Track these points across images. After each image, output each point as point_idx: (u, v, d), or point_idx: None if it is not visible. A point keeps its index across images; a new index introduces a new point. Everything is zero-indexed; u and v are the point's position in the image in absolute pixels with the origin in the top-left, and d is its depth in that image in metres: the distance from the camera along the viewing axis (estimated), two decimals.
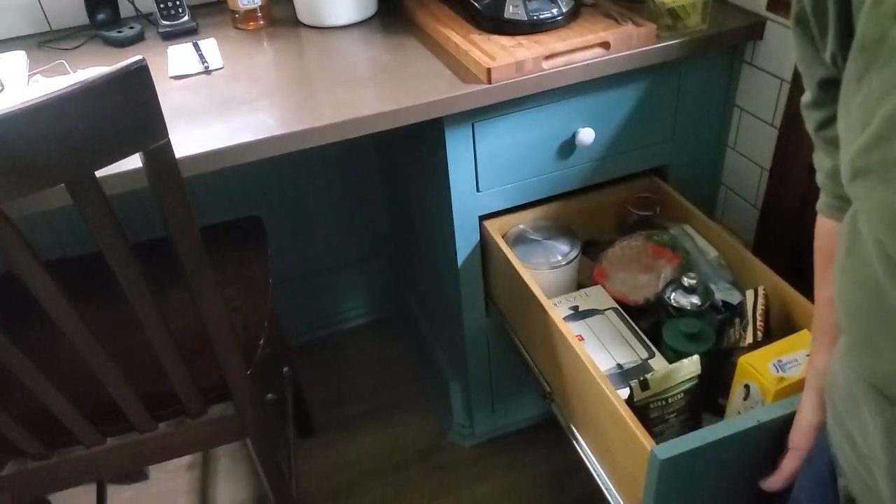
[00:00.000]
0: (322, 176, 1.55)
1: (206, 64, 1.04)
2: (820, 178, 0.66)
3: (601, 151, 1.10)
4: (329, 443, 1.52)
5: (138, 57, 0.57)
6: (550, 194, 1.12)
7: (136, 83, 0.57)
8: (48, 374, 0.78)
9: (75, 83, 0.55)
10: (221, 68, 1.04)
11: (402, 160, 1.32)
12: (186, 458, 1.51)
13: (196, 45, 1.10)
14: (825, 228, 0.68)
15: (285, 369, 1.40)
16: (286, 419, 1.34)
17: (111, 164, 0.61)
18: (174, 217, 0.69)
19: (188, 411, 0.91)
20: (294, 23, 1.19)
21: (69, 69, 1.03)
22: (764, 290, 0.94)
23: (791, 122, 1.06)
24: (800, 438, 0.72)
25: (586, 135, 1.06)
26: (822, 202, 0.67)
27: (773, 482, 0.75)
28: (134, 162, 0.65)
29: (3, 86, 0.90)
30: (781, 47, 1.05)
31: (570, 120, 1.06)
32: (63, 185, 0.60)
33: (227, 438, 0.96)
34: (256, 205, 1.50)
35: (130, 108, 0.58)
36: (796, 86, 1.03)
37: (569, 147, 1.08)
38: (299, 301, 1.65)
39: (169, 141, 0.63)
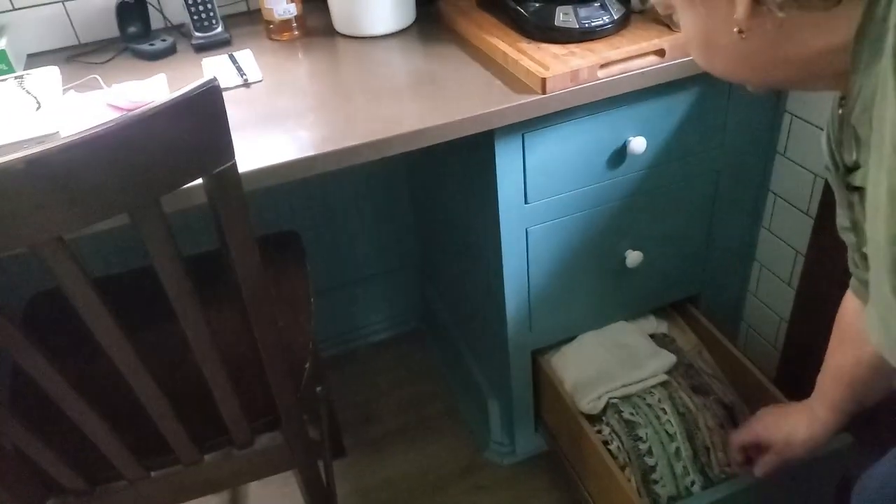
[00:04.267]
0: (350, 187, 1.51)
1: (245, 77, 1.00)
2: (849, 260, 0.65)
3: (652, 160, 1.07)
4: (362, 463, 1.47)
5: (210, 76, 0.53)
6: (600, 205, 1.08)
7: (208, 105, 0.53)
8: (90, 404, 0.74)
9: (143, 108, 0.51)
10: (261, 81, 1.01)
11: (439, 170, 1.29)
12: None
13: (232, 57, 1.06)
14: (850, 305, 0.76)
15: (318, 388, 1.36)
16: (322, 441, 1.29)
17: (176, 188, 0.57)
18: (235, 239, 0.65)
19: (235, 441, 0.87)
20: (330, 32, 1.15)
21: (103, 84, 0.99)
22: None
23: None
24: (784, 449, 0.90)
25: (638, 143, 1.02)
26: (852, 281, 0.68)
27: (757, 471, 0.94)
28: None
29: (39, 103, 0.86)
30: None
31: (621, 129, 1.02)
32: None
33: (275, 469, 0.92)
34: (281, 216, 1.46)
35: (200, 131, 0.54)
36: None
37: (620, 156, 1.04)
38: (323, 313, 1.61)
39: (235, 163, 0.59)
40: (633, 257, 1.13)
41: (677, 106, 1.04)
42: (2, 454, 0.77)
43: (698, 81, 1.02)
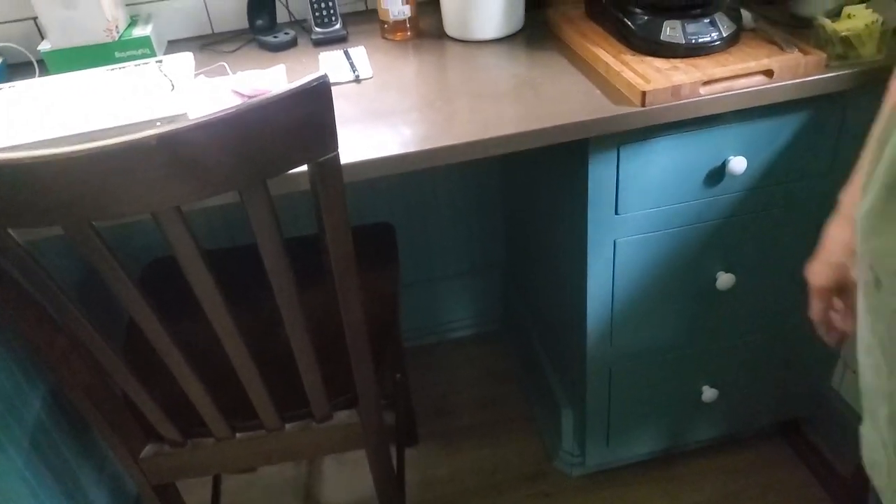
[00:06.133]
0: (444, 184, 1.55)
1: (356, 73, 1.06)
2: None
3: (752, 182, 1.04)
4: (432, 454, 1.51)
5: (323, 72, 0.57)
6: (693, 223, 1.06)
7: (317, 99, 0.58)
8: (190, 363, 0.82)
9: (259, 98, 0.56)
10: (371, 78, 1.06)
11: (532, 175, 1.30)
12: None
13: (346, 53, 1.12)
14: None
15: (397, 375, 1.41)
16: (396, 427, 1.34)
17: (282, 173, 0.62)
18: (332, 224, 0.70)
19: (315, 414, 0.93)
20: (440, 35, 1.19)
21: (229, 70, 1.08)
22: None
23: None
24: (824, 274, 0.77)
25: (738, 163, 0.99)
26: None
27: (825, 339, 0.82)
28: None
29: (173, 85, 0.95)
30: None
31: (721, 147, 1.00)
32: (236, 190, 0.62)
33: (349, 446, 0.97)
34: (378, 208, 1.52)
35: (308, 121, 0.59)
36: None
37: (718, 175, 1.02)
38: (408, 305, 1.66)
39: (338, 153, 0.63)
40: (725, 280, 1.10)
41: (784, 127, 1.00)
42: (113, 399, 0.86)
43: (808, 104, 0.98)
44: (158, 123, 0.82)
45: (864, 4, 0.98)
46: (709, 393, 1.26)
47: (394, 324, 1.04)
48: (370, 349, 0.88)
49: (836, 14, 0.99)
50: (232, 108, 0.55)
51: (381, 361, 0.99)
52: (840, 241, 0.77)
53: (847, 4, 0.99)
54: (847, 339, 0.81)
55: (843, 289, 0.79)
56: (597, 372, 1.21)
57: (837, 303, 0.81)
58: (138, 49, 1.14)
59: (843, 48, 0.96)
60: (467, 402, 1.62)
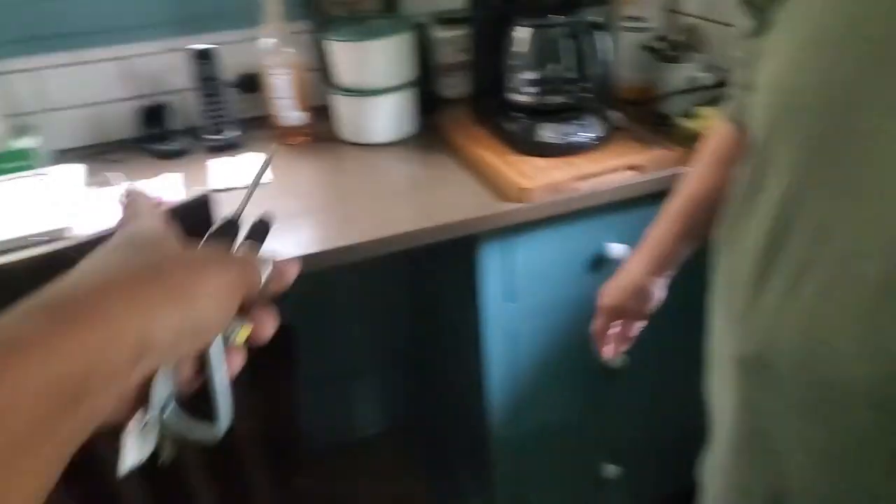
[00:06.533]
0: (348, 282, 1.56)
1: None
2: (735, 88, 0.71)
3: None
4: None
5: (203, 191, 0.59)
6: (582, 306, 1.11)
7: (197, 215, 0.59)
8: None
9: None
10: (269, 182, 1.07)
11: (430, 269, 1.34)
12: None
13: (240, 160, 1.14)
14: (723, 132, 0.76)
15: (300, 482, 1.35)
16: None
17: None
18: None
19: None
20: (336, 138, 1.23)
21: (121, 181, 1.07)
22: None
23: None
24: (611, 295, 0.87)
25: (617, 249, 1.07)
26: (729, 108, 0.73)
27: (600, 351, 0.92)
28: None
29: (55, 199, 0.93)
30: None
31: (601, 235, 1.07)
32: None
33: None
34: (281, 307, 1.50)
35: (192, 235, 0.59)
36: None
37: (601, 261, 1.09)
38: (314, 406, 1.62)
39: None
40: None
41: (655, 214, 1.09)
42: None
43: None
44: (34, 239, 0.80)
45: (713, 106, 1.11)
46: (611, 469, 1.28)
47: (291, 430, 1.01)
48: (264, 458, 0.85)
49: (691, 114, 1.11)
50: (109, 227, 0.55)
51: (282, 470, 0.95)
52: (633, 273, 0.87)
53: (699, 105, 1.12)
54: (615, 356, 0.93)
55: (623, 313, 0.88)
56: (503, 457, 1.21)
57: (616, 324, 0.90)
58: (20, 161, 1.11)
59: (698, 143, 1.08)
60: (376, 502, 1.57)
